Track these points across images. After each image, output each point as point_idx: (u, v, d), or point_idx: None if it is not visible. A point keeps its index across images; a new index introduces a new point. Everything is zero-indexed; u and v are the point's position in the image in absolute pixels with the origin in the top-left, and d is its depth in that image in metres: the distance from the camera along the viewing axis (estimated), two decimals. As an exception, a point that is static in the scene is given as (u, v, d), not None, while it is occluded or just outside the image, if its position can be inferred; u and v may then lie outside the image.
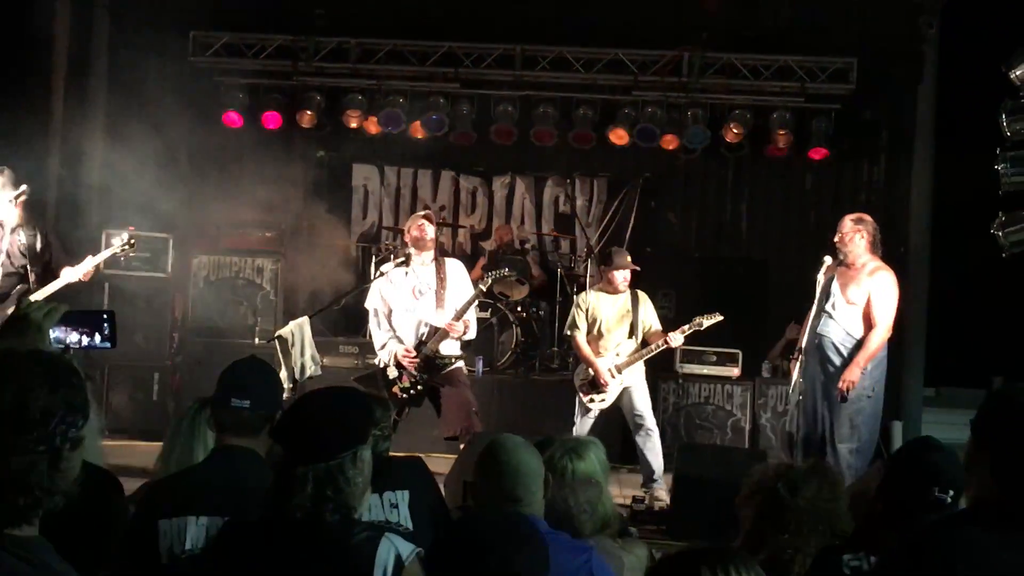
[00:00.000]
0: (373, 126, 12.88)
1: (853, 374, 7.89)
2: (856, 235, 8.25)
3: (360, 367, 10.70)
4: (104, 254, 8.44)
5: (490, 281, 8.65)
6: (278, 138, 12.89)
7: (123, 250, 8.55)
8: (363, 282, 11.40)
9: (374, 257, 12.28)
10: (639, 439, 8.81)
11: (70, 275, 8.17)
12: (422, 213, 8.66)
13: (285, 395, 7.47)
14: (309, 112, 12.79)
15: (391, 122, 12.70)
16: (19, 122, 11.12)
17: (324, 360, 8.99)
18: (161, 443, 4.37)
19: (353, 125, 12.94)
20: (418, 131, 12.86)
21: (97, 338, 3.72)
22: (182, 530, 3.57)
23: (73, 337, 3.68)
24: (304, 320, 8.22)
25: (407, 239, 8.47)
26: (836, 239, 8.36)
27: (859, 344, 7.99)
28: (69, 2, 12.38)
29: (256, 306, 11.26)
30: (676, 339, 8.71)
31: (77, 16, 12.48)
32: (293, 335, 7.95)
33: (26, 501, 2.23)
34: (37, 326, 3.38)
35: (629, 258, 8.99)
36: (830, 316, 8.09)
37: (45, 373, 2.30)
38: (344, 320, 11.78)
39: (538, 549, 2.82)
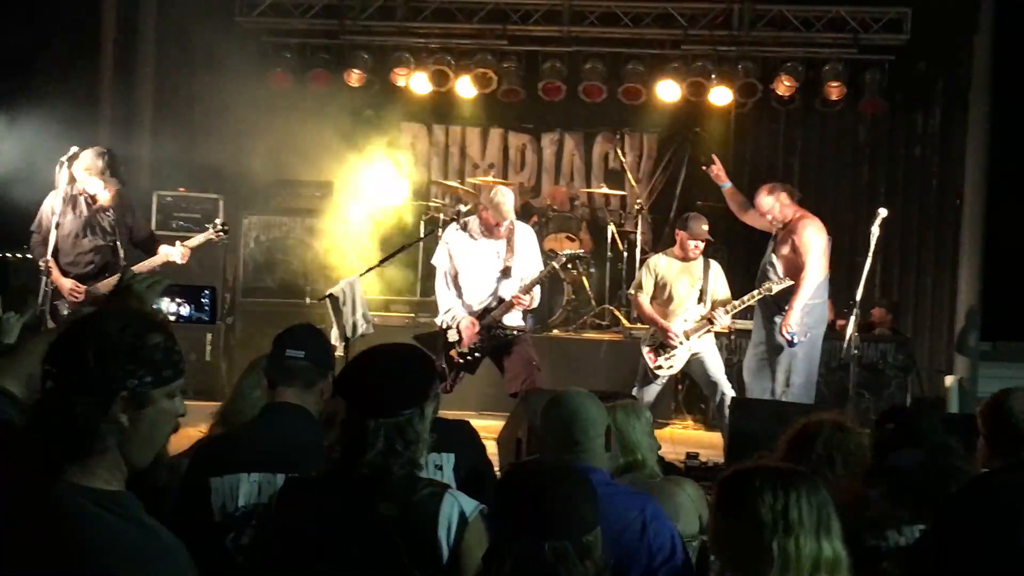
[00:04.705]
0: (421, 84, 12.82)
1: (791, 318, 8.28)
2: (778, 204, 8.59)
3: (411, 325, 10.71)
4: (199, 238, 8.47)
5: (564, 260, 8.50)
6: (326, 97, 12.86)
7: (218, 235, 8.58)
8: (413, 241, 11.42)
9: (423, 216, 12.27)
10: (718, 406, 8.61)
11: (169, 255, 8.24)
12: (504, 207, 8.00)
13: (338, 353, 7.50)
14: (357, 71, 12.75)
15: (438, 80, 12.66)
16: (69, 83, 11.18)
17: (375, 318, 8.97)
18: (214, 403, 4.42)
19: (401, 83, 12.89)
20: (466, 89, 12.80)
21: (197, 311, 3.75)
22: (234, 487, 3.59)
23: (173, 309, 3.71)
24: (355, 279, 8.17)
25: (482, 213, 8.15)
26: (769, 218, 8.54)
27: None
28: (117, -38, 12.40)
29: (307, 266, 11.28)
30: (722, 319, 8.53)
31: (125, -23, 12.50)
32: (344, 294, 7.91)
33: (76, 440, 2.25)
34: (139, 297, 3.41)
35: (706, 227, 8.73)
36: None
37: (120, 324, 2.32)
38: (395, 278, 11.78)
39: (591, 493, 2.84)
